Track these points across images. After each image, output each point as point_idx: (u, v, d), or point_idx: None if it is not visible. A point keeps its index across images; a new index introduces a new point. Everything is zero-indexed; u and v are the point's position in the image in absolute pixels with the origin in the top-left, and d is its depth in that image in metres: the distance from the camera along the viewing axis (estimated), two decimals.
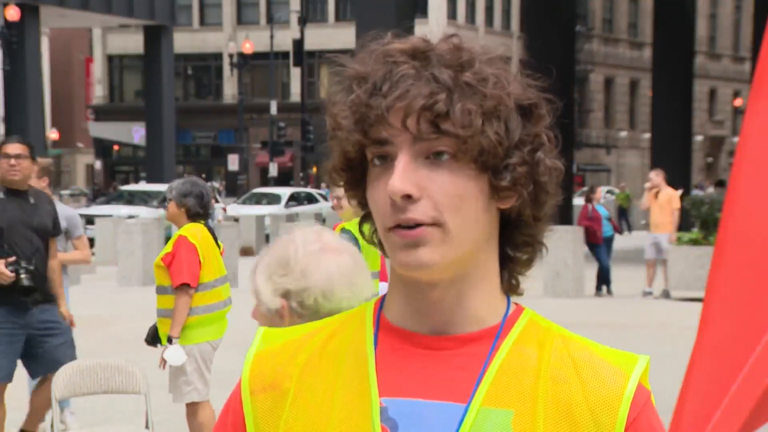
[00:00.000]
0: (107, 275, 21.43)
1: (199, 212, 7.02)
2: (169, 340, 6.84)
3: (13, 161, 6.96)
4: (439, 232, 1.38)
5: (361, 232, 1.51)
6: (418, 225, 1.37)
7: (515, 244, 1.48)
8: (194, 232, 6.96)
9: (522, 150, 1.41)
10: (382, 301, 1.51)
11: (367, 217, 1.49)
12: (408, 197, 1.37)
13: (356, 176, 1.46)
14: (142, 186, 35.48)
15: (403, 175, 1.37)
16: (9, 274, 6.87)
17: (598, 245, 18.09)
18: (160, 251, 7.28)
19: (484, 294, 1.45)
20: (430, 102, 1.36)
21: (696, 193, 29.98)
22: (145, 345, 7.27)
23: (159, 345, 7.12)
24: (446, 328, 1.44)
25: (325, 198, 35.28)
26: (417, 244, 1.38)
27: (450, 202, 1.38)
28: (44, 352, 7.13)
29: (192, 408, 7.11)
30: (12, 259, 6.94)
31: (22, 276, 6.92)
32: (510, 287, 1.50)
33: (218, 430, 1.54)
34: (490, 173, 1.40)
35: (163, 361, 6.88)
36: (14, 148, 7.01)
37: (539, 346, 1.45)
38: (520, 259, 1.49)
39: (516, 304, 1.51)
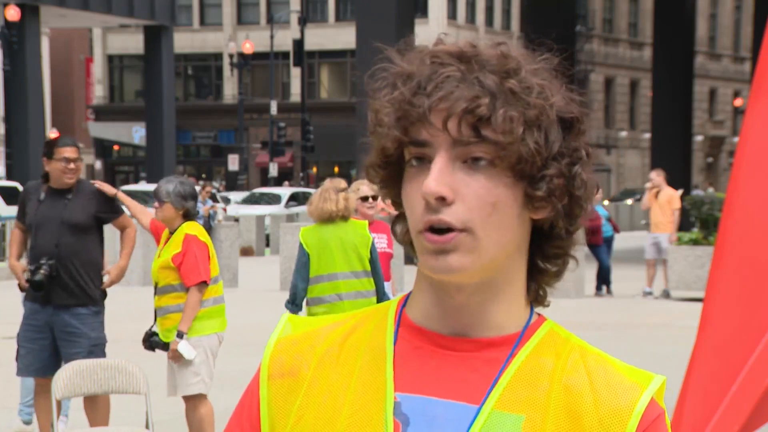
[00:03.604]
0: None
1: (197, 213, 7.09)
2: (180, 335, 6.91)
3: (72, 165, 7.18)
4: (470, 239, 1.38)
5: (393, 232, 1.51)
6: (448, 229, 1.38)
7: (546, 256, 1.48)
8: (200, 230, 7.06)
9: (560, 162, 1.41)
10: (405, 300, 1.52)
11: (400, 218, 1.49)
12: (442, 199, 1.37)
13: (393, 175, 1.45)
14: (142, 186, 35.49)
15: (439, 177, 1.37)
16: (21, 271, 7.16)
17: (598, 245, 18.07)
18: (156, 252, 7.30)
19: (508, 301, 1.46)
20: (472, 105, 1.36)
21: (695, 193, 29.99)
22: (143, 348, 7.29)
23: (157, 348, 7.14)
24: (467, 331, 1.45)
25: None
26: (447, 251, 1.38)
27: (483, 208, 1.38)
28: (63, 356, 7.23)
29: (193, 401, 7.14)
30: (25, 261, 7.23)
31: (41, 272, 7.06)
32: (536, 297, 1.50)
33: (238, 412, 1.54)
34: (526, 182, 1.40)
35: (178, 356, 6.93)
36: (72, 151, 7.20)
37: (556, 356, 1.46)
38: (549, 271, 1.49)
39: (538, 314, 1.51)
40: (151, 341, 7.14)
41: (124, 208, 7.62)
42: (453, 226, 1.38)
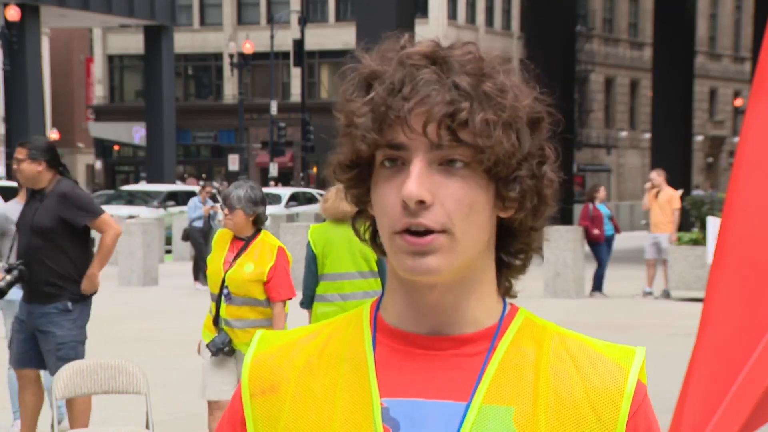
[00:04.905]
0: (107, 275, 21.38)
1: (266, 218, 6.85)
2: None
3: (15, 165, 7.26)
4: (448, 240, 1.39)
5: (354, 229, 1.52)
6: (427, 231, 1.38)
7: (511, 252, 1.50)
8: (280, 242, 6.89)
9: (531, 162, 1.43)
10: (378, 303, 1.52)
11: (360, 215, 1.50)
12: (422, 203, 1.38)
13: (362, 175, 1.46)
14: (142, 186, 35.48)
15: (419, 180, 1.37)
16: None
17: (599, 244, 18.01)
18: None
19: (481, 296, 1.47)
20: (451, 110, 1.37)
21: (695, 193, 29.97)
22: (201, 354, 6.94)
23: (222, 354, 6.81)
24: (444, 329, 1.46)
25: None
26: (426, 252, 1.39)
27: (460, 210, 1.39)
28: (42, 351, 7.27)
29: None
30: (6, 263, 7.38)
31: (7, 278, 7.16)
32: (505, 290, 1.52)
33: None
34: (500, 184, 1.41)
35: None
36: (18, 152, 7.23)
37: (537, 344, 1.47)
38: (514, 265, 1.51)
39: (511, 304, 1.52)
40: (223, 350, 6.78)
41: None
42: (431, 228, 1.38)
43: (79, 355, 7.23)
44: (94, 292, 7.37)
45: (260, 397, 1.49)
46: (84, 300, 7.32)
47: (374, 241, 1.50)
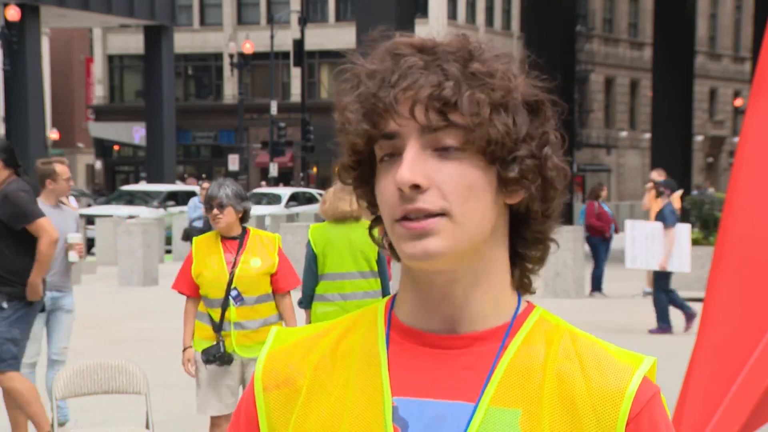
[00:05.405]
0: (107, 275, 21.44)
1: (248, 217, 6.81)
2: None
3: None
4: (447, 222, 1.38)
5: (371, 235, 1.52)
6: (426, 216, 1.37)
7: (525, 241, 1.48)
8: None
9: (530, 144, 1.41)
10: (393, 300, 1.52)
11: (377, 220, 1.49)
12: (416, 187, 1.37)
13: (365, 174, 1.46)
14: (142, 186, 35.49)
15: (412, 165, 1.37)
16: None
17: (600, 243, 17.98)
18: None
19: (492, 290, 1.45)
20: (437, 90, 1.37)
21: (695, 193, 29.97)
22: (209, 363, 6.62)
23: (224, 363, 6.57)
24: (455, 326, 1.45)
25: None
26: (423, 235, 1.38)
27: (458, 191, 1.38)
28: None
29: None
30: None
31: None
32: (522, 285, 1.50)
33: (232, 428, 1.55)
34: (499, 165, 1.40)
35: None
36: None
37: (547, 343, 1.46)
38: (531, 257, 1.49)
39: (527, 302, 1.51)
40: (220, 358, 6.56)
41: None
42: (430, 211, 1.37)
43: (5, 354, 7.17)
44: (38, 299, 7.34)
45: (275, 391, 1.49)
46: (21, 299, 7.26)
47: (392, 246, 1.47)
